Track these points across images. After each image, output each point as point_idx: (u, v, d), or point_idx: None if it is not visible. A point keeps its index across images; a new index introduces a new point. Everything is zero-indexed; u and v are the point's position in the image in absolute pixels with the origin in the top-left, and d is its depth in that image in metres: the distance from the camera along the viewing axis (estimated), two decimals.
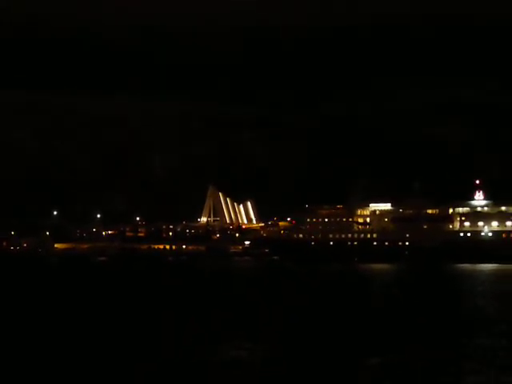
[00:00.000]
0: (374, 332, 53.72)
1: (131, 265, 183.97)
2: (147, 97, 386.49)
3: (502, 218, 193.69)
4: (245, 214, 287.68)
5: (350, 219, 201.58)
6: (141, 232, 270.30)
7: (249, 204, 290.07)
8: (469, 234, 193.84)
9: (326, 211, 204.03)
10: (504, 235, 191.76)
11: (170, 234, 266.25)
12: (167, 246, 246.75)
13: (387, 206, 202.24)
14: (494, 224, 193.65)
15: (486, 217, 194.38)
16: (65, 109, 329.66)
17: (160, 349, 46.12)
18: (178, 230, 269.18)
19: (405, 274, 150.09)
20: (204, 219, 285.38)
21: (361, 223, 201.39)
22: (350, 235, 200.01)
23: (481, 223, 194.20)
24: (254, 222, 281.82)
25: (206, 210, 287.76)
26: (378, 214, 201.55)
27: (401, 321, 61.62)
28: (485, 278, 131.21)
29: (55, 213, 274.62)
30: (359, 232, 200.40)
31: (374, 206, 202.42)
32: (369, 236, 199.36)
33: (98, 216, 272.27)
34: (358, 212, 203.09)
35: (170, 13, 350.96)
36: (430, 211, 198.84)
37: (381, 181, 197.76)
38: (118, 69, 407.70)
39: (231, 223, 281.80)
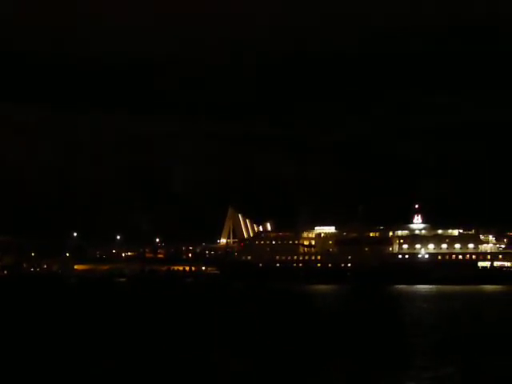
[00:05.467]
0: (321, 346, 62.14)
1: (150, 286, 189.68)
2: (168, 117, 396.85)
3: (438, 240, 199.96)
4: None
5: (296, 242, 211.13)
6: (160, 253, 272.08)
7: (268, 225, 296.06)
8: (407, 256, 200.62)
9: (273, 234, 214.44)
10: (439, 257, 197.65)
11: (190, 255, 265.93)
12: (186, 268, 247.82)
13: (331, 230, 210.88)
14: (431, 247, 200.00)
15: (423, 240, 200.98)
16: (89, 129, 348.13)
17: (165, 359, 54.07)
18: (198, 251, 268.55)
19: (346, 294, 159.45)
20: (223, 240, 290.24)
21: (306, 245, 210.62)
22: (295, 257, 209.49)
23: (418, 246, 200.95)
24: None
25: (225, 232, 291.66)
26: (323, 237, 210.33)
27: (343, 336, 69.94)
28: (419, 298, 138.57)
29: (75, 234, 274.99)
30: (304, 254, 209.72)
31: (318, 229, 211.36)
32: (313, 258, 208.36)
33: (118, 237, 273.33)
34: (304, 235, 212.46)
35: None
36: (371, 234, 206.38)
37: (327, 204, 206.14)
38: (138, 88, 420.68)
39: None
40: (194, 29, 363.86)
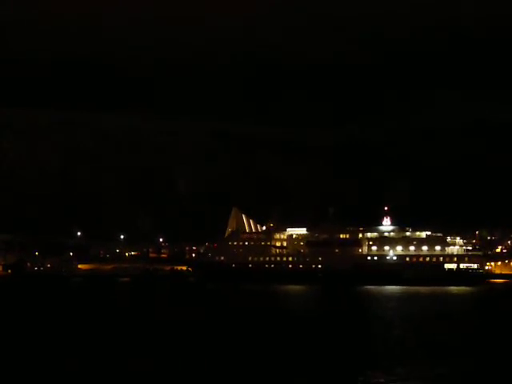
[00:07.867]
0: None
1: (153, 286, 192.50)
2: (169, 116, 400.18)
3: (406, 242, 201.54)
4: None
5: (269, 243, 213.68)
6: (164, 253, 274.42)
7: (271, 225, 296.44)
8: (376, 258, 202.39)
9: (246, 235, 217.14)
10: (407, 259, 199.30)
11: (193, 255, 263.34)
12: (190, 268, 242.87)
13: (303, 231, 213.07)
14: (399, 248, 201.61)
15: (392, 241, 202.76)
16: (90, 129, 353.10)
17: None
18: (201, 251, 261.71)
19: (317, 295, 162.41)
20: None
21: (278, 247, 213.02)
22: (267, 258, 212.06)
23: (387, 247, 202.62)
24: None
25: (228, 231, 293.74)
26: (294, 238, 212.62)
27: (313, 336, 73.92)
28: (387, 299, 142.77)
29: (79, 233, 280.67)
30: (276, 255, 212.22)
31: (290, 231, 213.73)
32: (285, 259, 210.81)
33: (122, 237, 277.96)
34: (276, 236, 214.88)
35: None
36: (342, 236, 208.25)
37: (299, 206, 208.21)
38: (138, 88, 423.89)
39: None
40: (194, 30, 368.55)
